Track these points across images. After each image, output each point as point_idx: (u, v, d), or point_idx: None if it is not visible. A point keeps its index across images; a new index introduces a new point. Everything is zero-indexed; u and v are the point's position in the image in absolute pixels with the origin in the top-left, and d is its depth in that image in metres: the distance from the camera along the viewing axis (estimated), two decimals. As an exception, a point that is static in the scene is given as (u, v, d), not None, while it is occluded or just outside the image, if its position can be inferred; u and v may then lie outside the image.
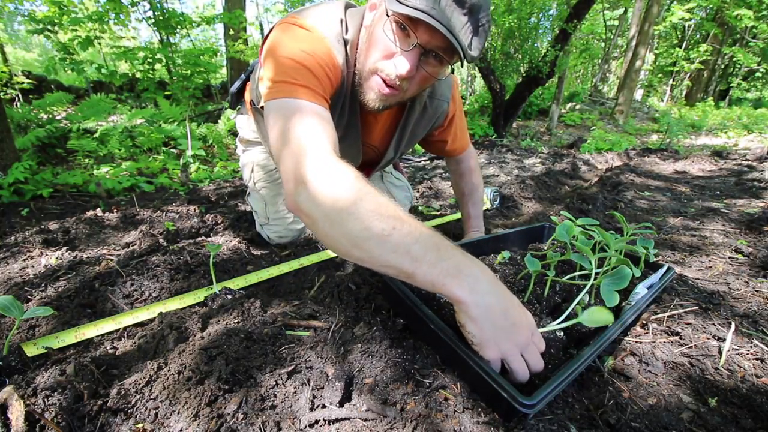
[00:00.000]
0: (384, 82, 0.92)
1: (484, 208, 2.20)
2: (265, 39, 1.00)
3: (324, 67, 0.90)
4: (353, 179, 0.69)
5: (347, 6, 1.01)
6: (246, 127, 1.56)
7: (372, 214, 0.65)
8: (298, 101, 0.82)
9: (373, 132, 1.23)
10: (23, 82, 5.02)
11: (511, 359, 0.66)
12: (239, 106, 1.57)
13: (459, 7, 0.79)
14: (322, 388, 0.72)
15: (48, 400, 0.66)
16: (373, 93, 0.95)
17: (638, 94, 14.61)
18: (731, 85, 16.38)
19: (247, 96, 1.39)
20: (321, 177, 0.70)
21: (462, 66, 0.90)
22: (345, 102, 1.07)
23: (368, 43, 0.92)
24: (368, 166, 1.45)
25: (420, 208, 2.29)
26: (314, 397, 0.71)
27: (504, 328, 0.65)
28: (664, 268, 1.13)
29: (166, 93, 4.12)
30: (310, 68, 0.87)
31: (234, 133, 4.85)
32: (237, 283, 1.20)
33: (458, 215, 2.09)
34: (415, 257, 0.64)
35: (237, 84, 1.43)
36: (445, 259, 0.64)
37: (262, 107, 0.90)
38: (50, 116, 4.12)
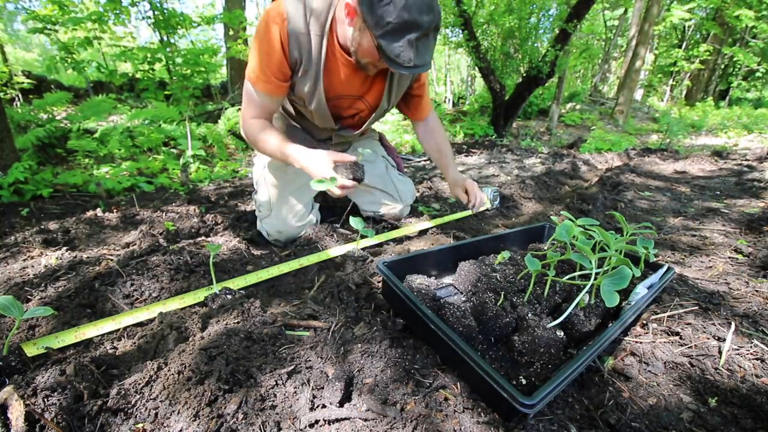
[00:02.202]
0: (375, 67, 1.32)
1: (484, 208, 2.21)
2: None
3: (271, 53, 1.28)
4: (257, 130, 1.39)
5: None
6: None
7: (261, 143, 1.39)
8: (248, 84, 1.36)
9: (370, 89, 1.50)
10: (23, 82, 5.02)
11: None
12: None
13: (423, 42, 1.12)
14: (322, 388, 0.72)
15: (48, 400, 0.66)
16: (371, 70, 1.35)
17: (638, 94, 14.60)
18: (731, 85, 16.37)
19: None
20: (246, 129, 1.42)
21: None
22: (311, 59, 1.33)
23: (362, 50, 1.23)
24: (358, 125, 1.65)
25: (420, 208, 2.29)
26: (314, 397, 0.71)
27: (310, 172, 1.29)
28: (664, 268, 1.13)
29: (166, 93, 4.11)
30: (267, 65, 1.30)
31: (234, 133, 4.85)
32: (237, 283, 1.20)
33: (458, 215, 2.09)
34: (280, 155, 1.36)
35: None
36: (289, 155, 1.32)
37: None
38: (50, 116, 4.12)
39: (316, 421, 0.67)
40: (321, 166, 1.24)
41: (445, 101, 11.84)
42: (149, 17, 3.59)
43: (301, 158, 1.28)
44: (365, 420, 0.68)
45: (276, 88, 1.35)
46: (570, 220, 1.14)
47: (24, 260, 1.38)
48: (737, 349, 0.91)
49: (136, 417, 0.67)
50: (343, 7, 1.22)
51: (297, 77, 1.38)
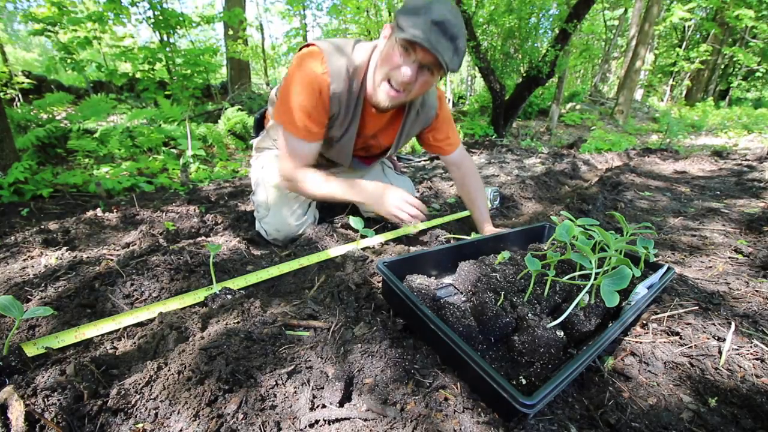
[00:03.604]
0: (392, 87, 1.27)
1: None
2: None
3: (315, 108, 1.33)
4: (305, 177, 1.42)
5: (356, 42, 1.37)
6: (268, 138, 1.82)
7: (309, 187, 1.43)
8: (291, 136, 1.38)
9: (383, 132, 1.60)
10: (23, 82, 5.02)
11: (392, 215, 1.37)
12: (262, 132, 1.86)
13: (443, 36, 1.13)
14: (322, 388, 0.72)
15: (48, 400, 0.66)
16: (384, 95, 1.30)
17: (638, 94, 14.59)
18: (731, 85, 16.36)
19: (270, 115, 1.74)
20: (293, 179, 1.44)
21: (446, 76, 1.33)
22: (348, 110, 1.42)
23: (381, 60, 1.25)
24: (373, 156, 1.80)
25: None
26: (314, 397, 0.71)
27: (379, 203, 1.38)
28: (664, 268, 1.13)
29: (166, 93, 4.11)
30: (311, 112, 1.33)
31: (234, 133, 4.85)
32: (237, 283, 1.20)
33: (457, 215, 2.09)
34: (333, 196, 1.42)
35: (259, 112, 1.90)
36: (347, 189, 1.40)
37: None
38: (50, 116, 4.11)
39: (316, 421, 0.67)
40: (390, 202, 1.34)
41: (445, 101, 11.82)
42: (149, 18, 3.59)
43: (366, 194, 1.38)
44: (365, 420, 0.68)
45: (319, 135, 1.40)
46: (570, 220, 1.14)
47: (24, 260, 1.38)
48: (737, 349, 0.91)
49: (136, 417, 0.67)
50: (378, 52, 1.29)
51: (331, 124, 1.44)
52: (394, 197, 1.34)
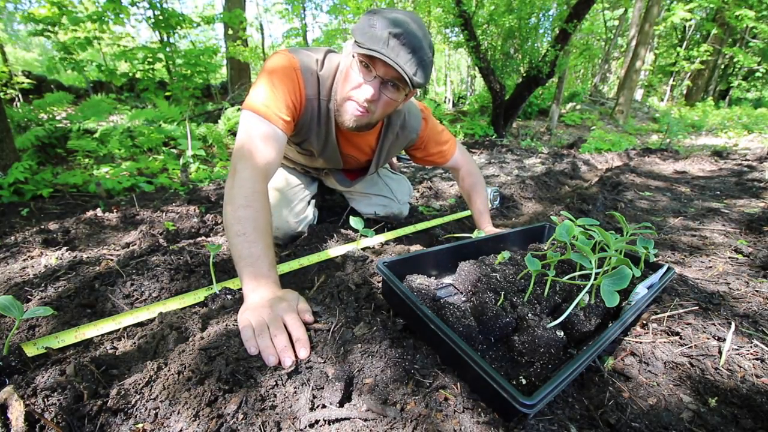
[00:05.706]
0: (356, 107, 1.21)
1: None
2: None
3: (290, 96, 1.22)
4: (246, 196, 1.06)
5: (328, 51, 1.33)
6: None
7: (234, 220, 1.02)
8: (260, 119, 1.15)
9: (358, 150, 1.57)
10: (23, 82, 5.03)
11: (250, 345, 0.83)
12: None
13: (404, 47, 1.08)
14: (322, 388, 0.72)
15: (48, 400, 0.66)
16: (347, 115, 1.25)
17: (638, 94, 14.60)
18: (731, 85, 16.38)
19: None
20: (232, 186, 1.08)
21: (413, 90, 1.23)
22: (320, 121, 1.37)
23: (342, 78, 1.22)
24: (357, 172, 1.80)
25: (420, 208, 2.29)
26: (314, 397, 0.71)
27: (246, 317, 0.88)
28: (664, 268, 1.12)
29: (167, 93, 4.10)
30: (280, 98, 1.19)
31: (234, 133, 4.85)
32: (237, 283, 1.20)
33: (458, 215, 2.09)
34: (236, 258, 1.00)
35: None
36: (245, 274, 0.97)
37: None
38: (50, 116, 4.11)
39: (316, 421, 0.67)
40: (257, 330, 0.83)
41: (445, 101, 11.84)
42: (149, 18, 3.59)
43: (250, 291, 0.95)
44: (365, 420, 0.68)
45: (286, 126, 1.21)
46: (570, 220, 1.14)
47: (24, 260, 1.38)
48: (737, 349, 0.91)
49: (136, 417, 0.67)
50: (342, 70, 1.24)
51: (306, 137, 1.40)
52: (262, 326, 0.84)
